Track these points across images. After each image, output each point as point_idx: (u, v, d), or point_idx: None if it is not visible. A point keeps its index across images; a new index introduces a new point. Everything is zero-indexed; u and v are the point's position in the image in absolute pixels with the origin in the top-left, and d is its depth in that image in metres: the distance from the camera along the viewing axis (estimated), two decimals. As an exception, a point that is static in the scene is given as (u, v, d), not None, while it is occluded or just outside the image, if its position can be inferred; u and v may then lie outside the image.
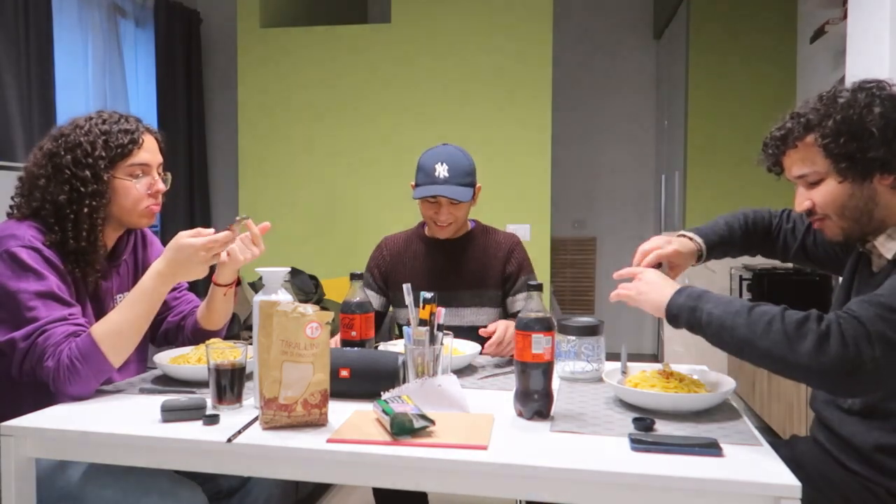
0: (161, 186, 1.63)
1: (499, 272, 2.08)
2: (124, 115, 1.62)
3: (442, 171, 1.98)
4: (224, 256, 1.57)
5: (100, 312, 1.55)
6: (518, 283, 2.08)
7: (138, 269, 1.71)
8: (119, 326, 1.43)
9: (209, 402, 1.34)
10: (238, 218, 1.52)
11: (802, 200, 1.36)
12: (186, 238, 1.46)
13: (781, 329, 1.18)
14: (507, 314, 2.10)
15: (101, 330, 1.41)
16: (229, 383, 1.35)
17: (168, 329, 1.77)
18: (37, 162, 1.55)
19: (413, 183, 2.06)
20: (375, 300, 2.11)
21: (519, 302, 2.06)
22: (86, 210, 1.51)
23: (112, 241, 1.64)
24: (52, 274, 1.46)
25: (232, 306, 1.76)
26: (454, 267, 2.09)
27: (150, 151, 1.61)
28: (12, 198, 1.58)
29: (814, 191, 1.34)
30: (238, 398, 1.36)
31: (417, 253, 2.12)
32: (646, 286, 1.38)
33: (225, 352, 1.36)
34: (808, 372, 1.17)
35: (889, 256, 1.29)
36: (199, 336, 1.72)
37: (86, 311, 1.54)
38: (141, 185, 1.59)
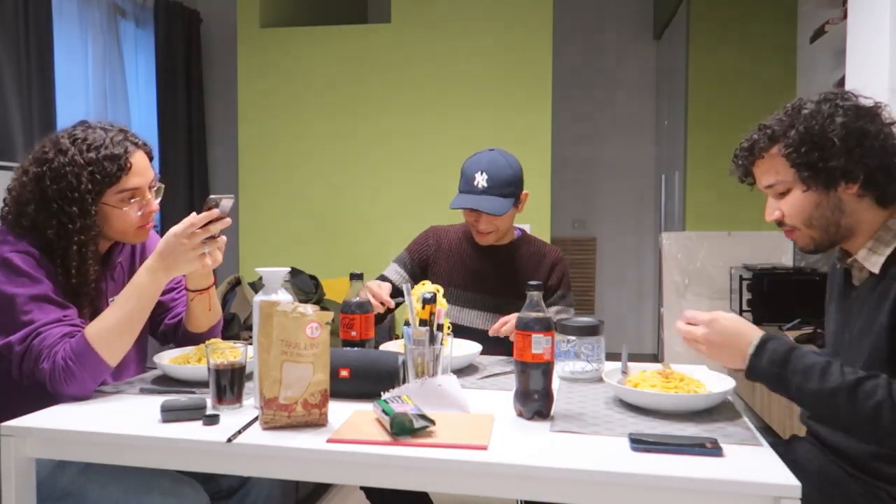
0: (154, 206, 1.57)
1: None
2: (109, 135, 1.52)
3: (481, 180, 1.95)
4: (222, 240, 1.49)
5: (94, 316, 1.53)
6: (554, 297, 2.06)
7: (134, 271, 1.68)
8: (112, 325, 1.41)
9: (209, 402, 1.34)
10: (213, 196, 1.44)
11: (772, 211, 1.38)
12: (172, 229, 1.42)
13: (891, 418, 1.14)
14: None
15: (95, 329, 1.40)
16: (229, 383, 1.35)
17: (165, 330, 1.75)
18: (23, 184, 1.50)
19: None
20: (399, 280, 2.08)
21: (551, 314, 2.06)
22: (75, 247, 1.47)
23: (104, 248, 1.61)
24: (47, 278, 1.44)
25: (216, 312, 1.71)
26: (497, 273, 2.07)
27: (140, 174, 1.54)
28: (3, 205, 1.54)
29: (782, 201, 1.36)
30: (238, 398, 1.36)
31: (463, 252, 2.11)
32: (718, 337, 1.29)
33: (225, 352, 1.35)
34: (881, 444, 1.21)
35: (876, 270, 1.30)
36: (188, 339, 1.69)
37: (82, 313, 1.52)
38: (132, 211, 1.53)
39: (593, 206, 5.78)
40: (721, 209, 4.38)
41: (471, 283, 2.07)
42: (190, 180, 4.40)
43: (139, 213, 1.55)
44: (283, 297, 1.34)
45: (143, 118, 4.03)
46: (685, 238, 4.40)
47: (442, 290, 1.58)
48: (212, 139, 4.67)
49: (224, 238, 1.48)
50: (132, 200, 1.53)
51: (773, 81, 4.35)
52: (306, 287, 3.74)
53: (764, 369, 1.25)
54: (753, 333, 1.27)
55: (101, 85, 3.63)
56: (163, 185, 1.62)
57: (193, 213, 1.46)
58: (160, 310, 1.72)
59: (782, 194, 1.36)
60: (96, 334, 1.39)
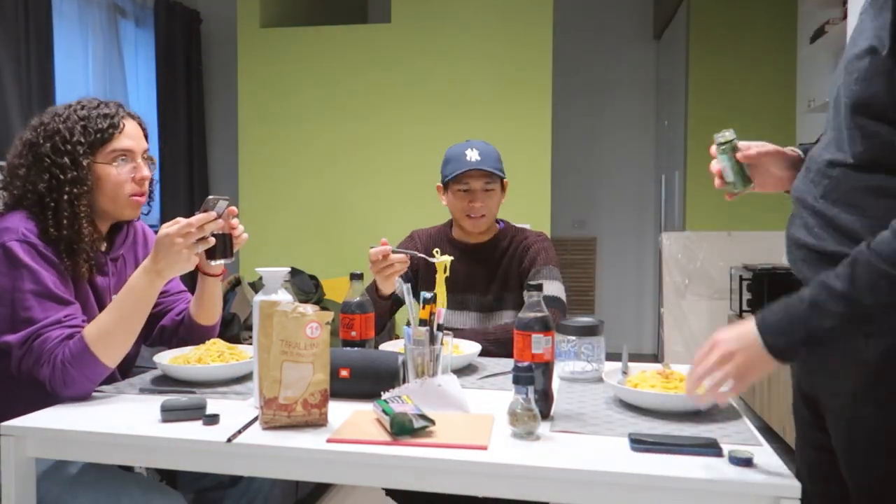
0: (145, 173, 1.57)
1: (517, 273, 2.03)
2: (105, 101, 1.57)
3: (473, 155, 1.95)
4: (212, 241, 1.47)
5: (100, 310, 1.52)
6: (530, 274, 1.97)
7: (138, 265, 1.67)
8: (109, 327, 1.40)
9: (209, 402, 1.34)
10: (211, 197, 1.44)
11: None
12: (164, 228, 1.41)
13: None
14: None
15: (92, 332, 1.39)
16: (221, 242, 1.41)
17: (164, 327, 1.73)
18: (17, 152, 1.53)
19: (439, 184, 2.04)
20: (400, 288, 2.02)
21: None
22: (66, 198, 1.47)
23: (104, 233, 1.60)
24: (48, 270, 1.43)
25: (221, 298, 1.72)
26: (485, 271, 2.04)
27: (132, 137, 1.56)
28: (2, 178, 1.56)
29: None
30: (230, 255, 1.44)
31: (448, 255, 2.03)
32: (730, 345, 1.06)
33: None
34: None
35: None
36: (193, 333, 1.68)
37: (87, 307, 1.52)
38: (123, 170, 1.54)
39: (593, 206, 5.78)
40: (721, 209, 4.38)
41: (461, 284, 2.01)
42: (190, 180, 4.41)
43: (131, 177, 1.55)
44: (283, 297, 1.34)
45: (142, 118, 4.03)
46: (685, 238, 4.40)
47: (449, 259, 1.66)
48: (212, 139, 4.67)
49: (213, 239, 1.47)
50: (122, 160, 1.54)
51: (773, 81, 4.36)
52: (306, 287, 3.74)
53: (786, 344, 1.04)
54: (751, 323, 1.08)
55: (101, 85, 3.63)
56: (155, 160, 1.64)
57: (178, 218, 1.45)
58: (160, 310, 1.72)
59: None
60: (94, 337, 1.38)
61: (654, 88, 5.63)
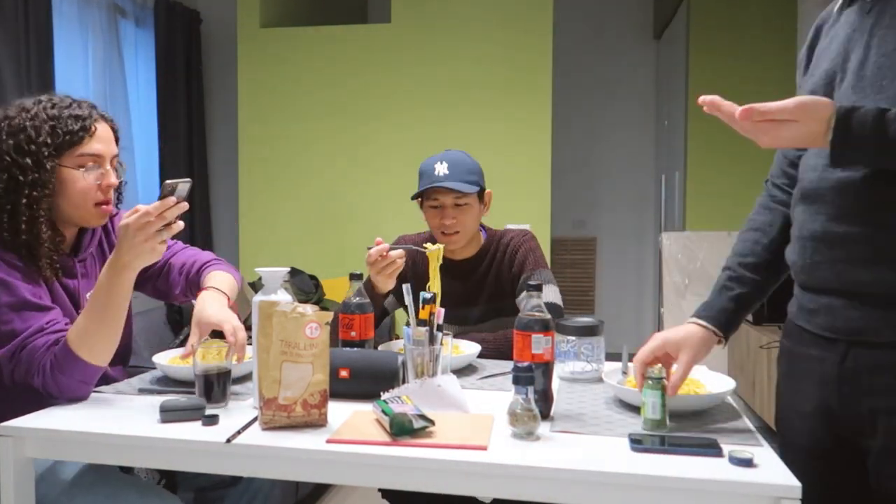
0: (112, 180, 1.50)
1: (507, 280, 1.98)
2: (77, 101, 1.50)
3: (441, 169, 1.88)
4: (179, 225, 1.35)
5: (77, 311, 1.49)
6: (521, 281, 1.94)
7: (105, 259, 1.56)
8: (89, 328, 1.36)
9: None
10: (168, 182, 1.32)
11: None
12: (124, 219, 1.32)
13: None
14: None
15: (75, 336, 1.36)
16: (218, 385, 1.35)
17: (186, 289, 1.70)
18: None
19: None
20: (386, 301, 1.98)
21: (522, 301, 1.89)
22: (24, 201, 1.39)
23: (71, 237, 1.54)
24: (19, 279, 1.39)
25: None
26: (473, 288, 1.98)
27: (103, 142, 1.49)
28: None
29: None
30: (224, 398, 1.36)
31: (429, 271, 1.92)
32: (795, 102, 1.10)
33: (211, 349, 1.37)
34: None
35: None
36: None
37: (65, 310, 1.47)
38: (89, 177, 1.46)
39: (593, 206, 5.78)
40: (721, 209, 4.37)
41: (452, 302, 1.89)
42: (190, 180, 4.40)
43: (97, 184, 1.48)
44: (283, 297, 1.34)
45: (143, 118, 4.03)
46: (685, 238, 4.40)
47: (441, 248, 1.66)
48: (212, 139, 4.67)
49: (181, 223, 1.37)
50: (91, 166, 1.47)
51: (773, 81, 4.34)
52: (306, 287, 3.74)
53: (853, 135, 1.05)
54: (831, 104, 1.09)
55: (101, 85, 3.62)
56: (125, 165, 1.57)
57: (138, 206, 1.36)
58: (164, 276, 1.69)
59: None
60: (77, 341, 1.35)
61: (654, 88, 5.63)
